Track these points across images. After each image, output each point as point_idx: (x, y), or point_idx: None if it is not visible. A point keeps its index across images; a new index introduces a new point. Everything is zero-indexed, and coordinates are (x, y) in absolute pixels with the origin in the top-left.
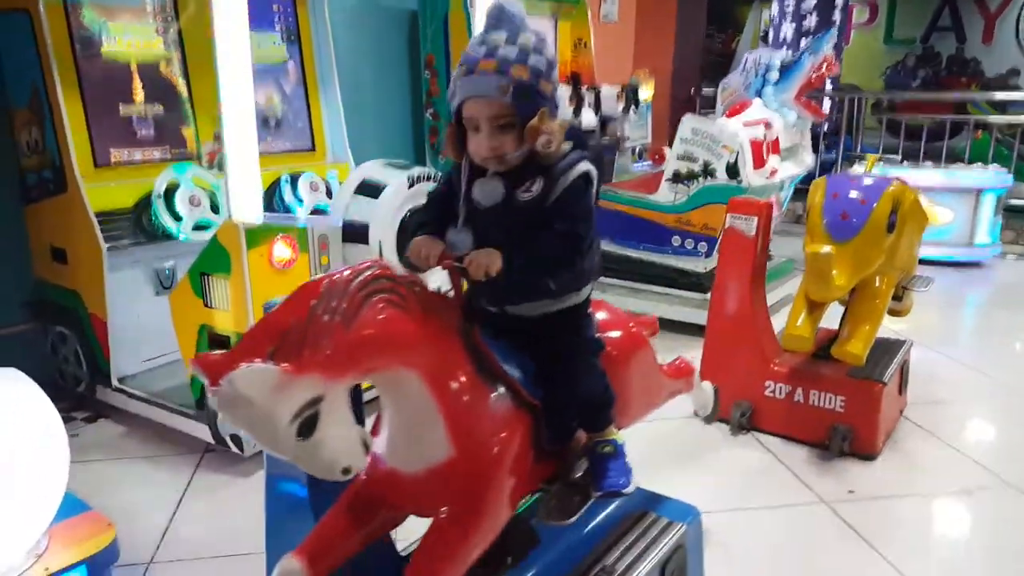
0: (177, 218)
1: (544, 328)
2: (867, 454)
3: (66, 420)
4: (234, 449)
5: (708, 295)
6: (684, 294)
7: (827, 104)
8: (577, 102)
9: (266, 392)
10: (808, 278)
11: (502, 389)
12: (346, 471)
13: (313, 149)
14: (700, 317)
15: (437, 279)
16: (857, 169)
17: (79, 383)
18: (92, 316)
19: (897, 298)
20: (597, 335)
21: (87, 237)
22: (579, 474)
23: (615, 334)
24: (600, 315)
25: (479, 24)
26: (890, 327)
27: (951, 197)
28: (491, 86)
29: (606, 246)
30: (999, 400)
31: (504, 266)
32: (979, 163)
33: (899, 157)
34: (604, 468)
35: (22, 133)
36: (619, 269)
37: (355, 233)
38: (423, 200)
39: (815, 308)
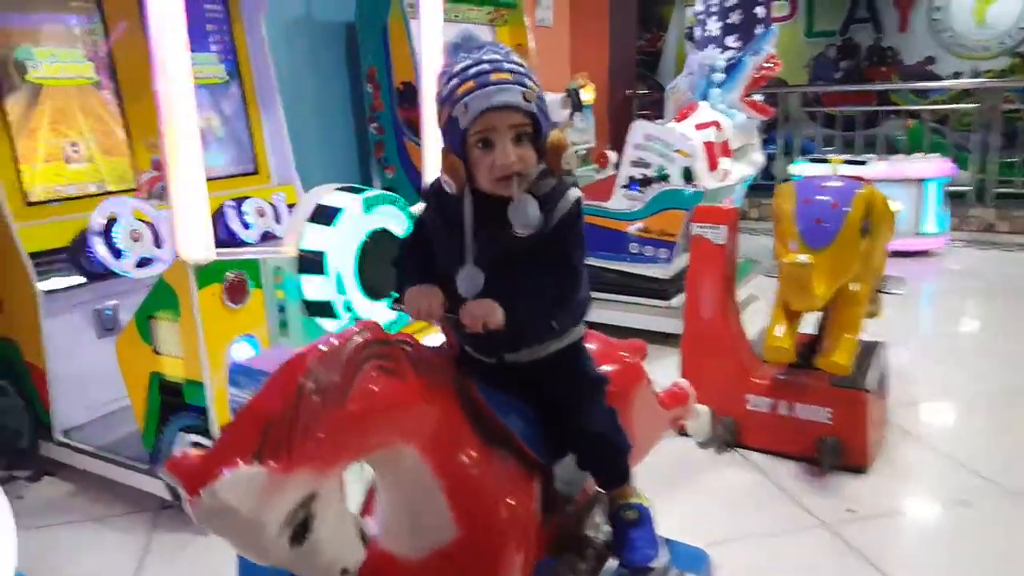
0: (118, 255)
1: (544, 371)
2: (858, 466)
3: (7, 480)
4: None
5: (672, 302)
6: (647, 302)
7: (758, 98)
8: None
9: (253, 500)
10: (786, 289)
11: (504, 450)
12: (345, 572)
13: (256, 171)
14: (665, 325)
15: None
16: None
17: (20, 438)
18: (30, 366)
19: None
20: (597, 369)
21: (20, 281)
22: (591, 532)
23: (610, 368)
24: (590, 347)
25: (426, 34)
26: None
27: (897, 188)
28: (516, 95)
29: None
30: (977, 395)
31: (506, 315)
32: (919, 152)
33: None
34: (629, 538)
35: None
36: None
37: (311, 263)
38: (380, 224)
39: (793, 316)
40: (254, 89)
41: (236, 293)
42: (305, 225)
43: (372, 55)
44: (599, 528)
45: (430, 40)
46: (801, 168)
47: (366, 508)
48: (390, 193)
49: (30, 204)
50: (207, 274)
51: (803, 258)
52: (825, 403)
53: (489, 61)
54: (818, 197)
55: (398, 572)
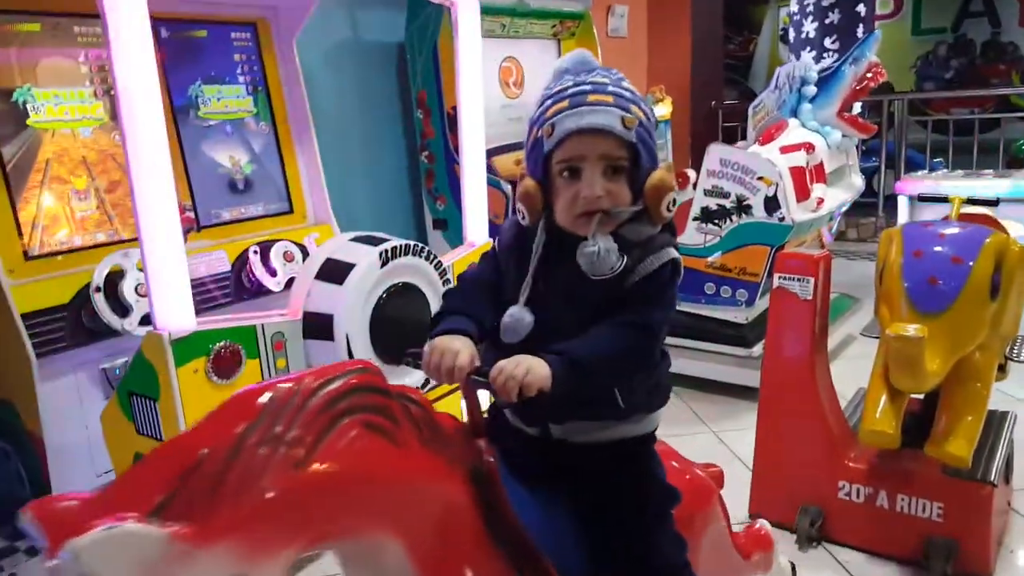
0: (123, 312)
1: (598, 464)
2: (978, 575)
3: (7, 552)
4: None
5: (752, 350)
6: (724, 349)
7: (856, 108)
8: None
9: (134, 573)
10: (892, 366)
11: (524, 567)
12: None
13: (291, 211)
14: (743, 377)
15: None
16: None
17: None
18: (29, 432)
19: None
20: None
21: (15, 344)
22: None
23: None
24: None
25: (463, 50)
26: None
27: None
28: (612, 118)
29: None
30: None
31: (563, 370)
32: None
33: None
34: None
35: None
36: None
37: (318, 327)
38: (401, 279)
39: (898, 393)
40: (287, 121)
41: (225, 366)
42: (312, 282)
43: (422, 78)
44: None
45: (467, 57)
46: (908, 185)
47: None
48: (415, 243)
49: (30, 258)
50: (188, 347)
51: (912, 330)
52: (936, 496)
53: (593, 83)
54: (934, 248)
55: None
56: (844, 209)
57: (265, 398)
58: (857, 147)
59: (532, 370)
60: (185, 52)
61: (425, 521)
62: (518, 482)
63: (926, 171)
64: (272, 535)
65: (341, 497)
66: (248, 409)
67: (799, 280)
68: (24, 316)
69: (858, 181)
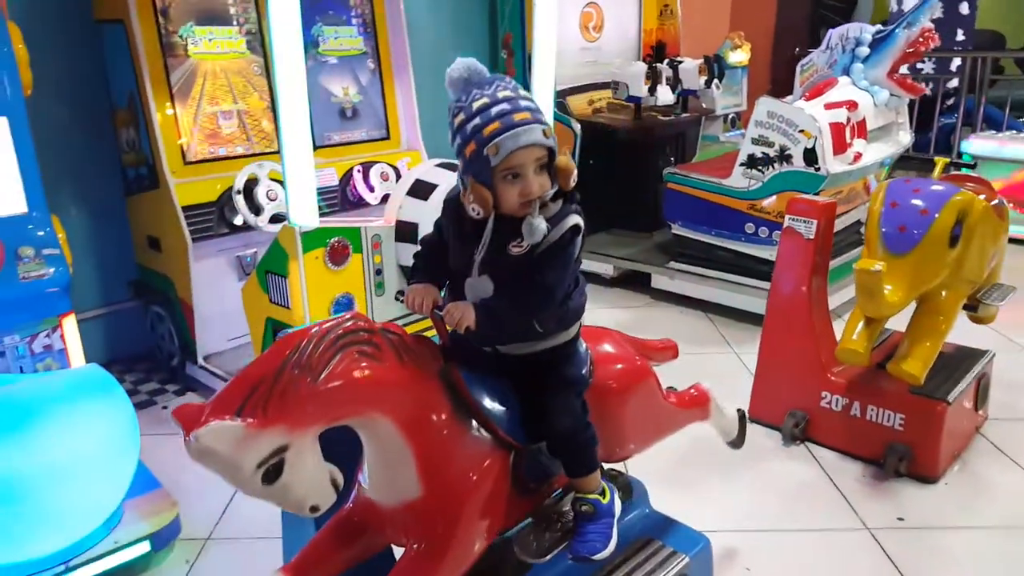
0: (257, 212)
1: (532, 366)
2: (927, 477)
3: (159, 392)
4: None
5: None
6: (755, 283)
7: (956, 62)
8: (653, 79)
9: (230, 446)
10: (858, 295)
11: (479, 429)
12: (314, 509)
13: (388, 137)
14: None
15: None
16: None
17: (172, 358)
18: (182, 300)
19: (971, 308)
20: (585, 371)
21: (175, 230)
22: (564, 509)
23: (617, 366)
24: (605, 347)
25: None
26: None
27: None
28: (538, 134)
29: (678, 229)
30: None
31: (483, 316)
32: None
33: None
34: (581, 529)
35: (122, 132)
36: (689, 254)
37: (406, 233)
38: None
39: (873, 320)
40: (390, 60)
41: (337, 256)
42: (403, 198)
43: (509, 21)
44: None
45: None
46: (974, 144)
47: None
48: None
49: (188, 163)
50: (312, 239)
51: (876, 267)
52: (899, 409)
53: (506, 100)
54: (908, 201)
55: (377, 515)
56: (889, 163)
57: (299, 339)
58: (941, 104)
59: (465, 313)
60: None
61: (403, 405)
62: (474, 376)
63: (992, 132)
64: (302, 421)
65: (344, 395)
66: (288, 347)
67: (804, 222)
68: (183, 208)
69: (905, 138)
